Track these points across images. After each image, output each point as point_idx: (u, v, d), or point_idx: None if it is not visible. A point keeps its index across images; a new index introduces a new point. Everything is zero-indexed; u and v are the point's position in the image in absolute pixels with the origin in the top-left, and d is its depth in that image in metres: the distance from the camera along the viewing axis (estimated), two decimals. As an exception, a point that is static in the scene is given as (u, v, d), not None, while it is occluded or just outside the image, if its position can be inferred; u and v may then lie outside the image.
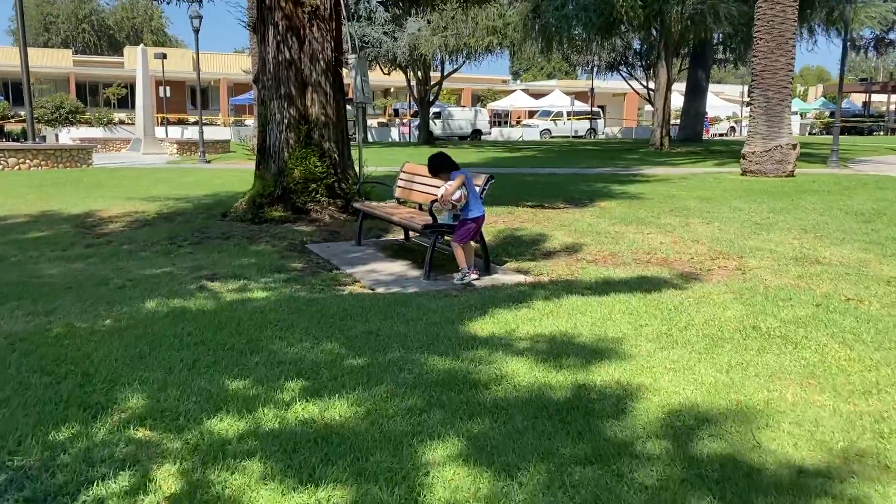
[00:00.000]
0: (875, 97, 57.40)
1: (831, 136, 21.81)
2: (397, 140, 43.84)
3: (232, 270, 6.84)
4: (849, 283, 6.21)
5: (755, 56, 16.19)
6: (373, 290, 6.30)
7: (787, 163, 15.96)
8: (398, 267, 7.26)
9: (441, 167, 6.61)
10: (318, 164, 10.04)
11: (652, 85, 44.22)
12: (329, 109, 10.26)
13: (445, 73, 37.78)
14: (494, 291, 6.01)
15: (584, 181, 16.17)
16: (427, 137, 36.31)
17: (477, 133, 45.59)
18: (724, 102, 57.20)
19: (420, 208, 8.35)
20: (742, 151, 16.69)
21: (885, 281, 6.30)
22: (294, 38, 9.98)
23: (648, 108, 60.38)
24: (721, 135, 50.80)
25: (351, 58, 10.62)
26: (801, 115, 56.71)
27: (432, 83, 37.31)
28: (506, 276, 6.79)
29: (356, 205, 8.40)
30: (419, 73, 36.27)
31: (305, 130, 10.06)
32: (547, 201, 12.24)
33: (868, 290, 5.98)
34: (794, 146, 16.05)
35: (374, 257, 7.77)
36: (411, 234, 8.41)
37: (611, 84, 58.20)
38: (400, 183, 8.50)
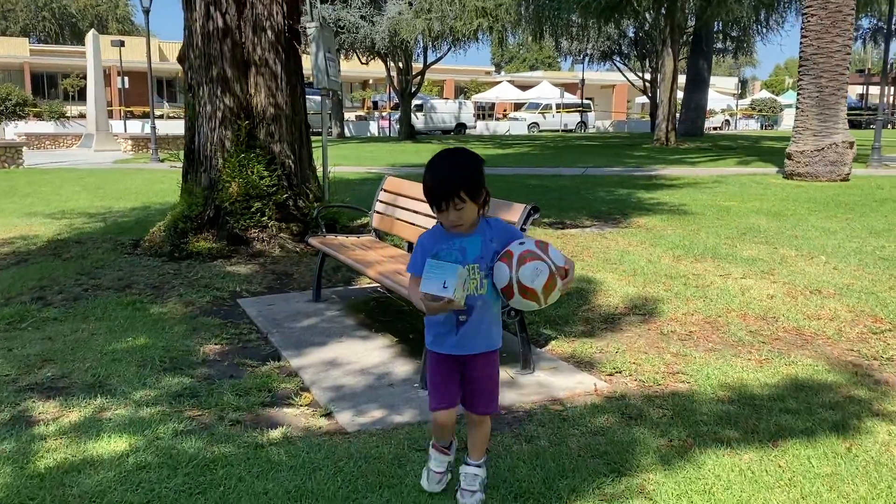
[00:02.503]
0: (873, 89, 55.30)
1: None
2: (377, 135, 40.92)
3: (95, 370, 4.02)
4: None
5: (804, 37, 13.52)
6: (331, 416, 3.51)
7: (843, 164, 13.35)
8: (378, 351, 4.47)
9: (476, 188, 2.42)
10: (266, 173, 7.20)
11: (647, 76, 41.77)
12: (280, 97, 7.41)
13: (428, 63, 34.87)
14: (557, 430, 3.24)
15: (600, 186, 13.45)
16: (409, 132, 33.42)
17: (461, 127, 42.79)
18: (717, 95, 54.78)
19: (410, 248, 5.56)
20: (787, 150, 14.03)
21: None
22: (229, -1, 7.13)
23: (638, 100, 58.16)
24: (716, 128, 48.36)
25: (310, 27, 7.78)
26: (798, 108, 54.50)
27: (414, 73, 34.39)
28: (557, 375, 4.03)
29: (313, 242, 5.59)
30: (400, 63, 33.34)
31: (247, 128, 7.21)
32: (567, 217, 9.50)
33: None
34: (851, 144, 13.43)
35: (339, 327, 4.97)
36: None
37: (599, 75, 55.64)
38: (378, 207, 5.70)
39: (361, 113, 47.86)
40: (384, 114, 43.50)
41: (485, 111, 52.78)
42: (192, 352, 4.35)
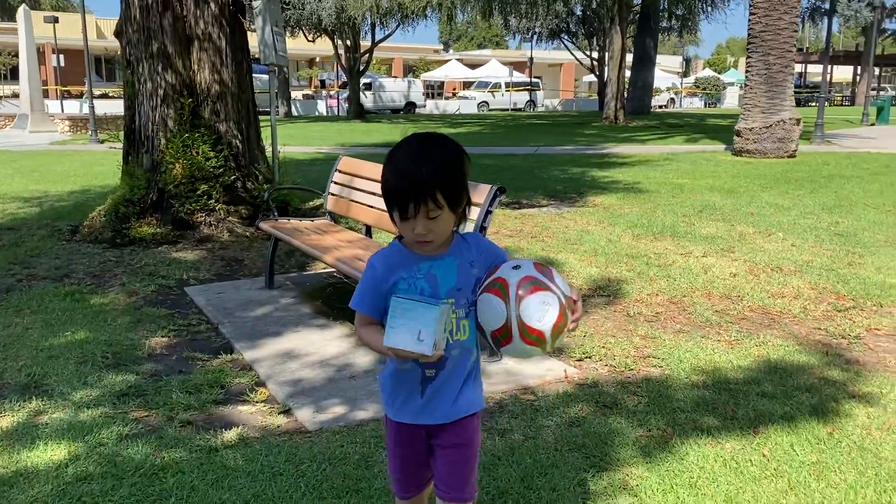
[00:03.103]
0: (811, 68, 56.61)
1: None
2: (325, 114, 40.19)
3: (30, 368, 3.71)
4: None
5: (753, 14, 13.58)
6: (290, 413, 3.29)
7: (791, 141, 13.52)
8: (337, 341, 4.25)
9: (457, 190, 1.72)
10: (211, 154, 6.85)
11: (595, 55, 41.92)
12: (226, 74, 7.05)
13: (376, 40, 34.29)
14: (530, 423, 3.08)
15: (553, 164, 13.36)
16: (358, 111, 32.87)
17: (411, 106, 42.35)
18: (663, 73, 55.37)
19: (368, 232, 5.34)
20: (736, 128, 14.14)
21: None
22: (168, -32, 6.72)
23: (586, 78, 58.43)
24: (661, 106, 48.90)
25: (256, 1, 7.42)
26: (740, 87, 55.48)
27: (362, 51, 33.78)
28: (525, 362, 3.88)
29: (265, 226, 5.31)
30: (347, 40, 32.69)
31: (190, 106, 6.84)
32: (524, 197, 9.37)
33: None
34: (798, 121, 13.60)
35: (294, 315, 4.73)
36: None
37: (547, 54, 55.68)
38: (333, 188, 5.45)
39: (308, 92, 46.94)
40: (332, 92, 42.73)
41: (434, 90, 52.34)
42: (136, 346, 4.07)
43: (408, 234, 1.69)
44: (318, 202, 8.57)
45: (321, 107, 41.83)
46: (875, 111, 26.69)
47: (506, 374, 3.71)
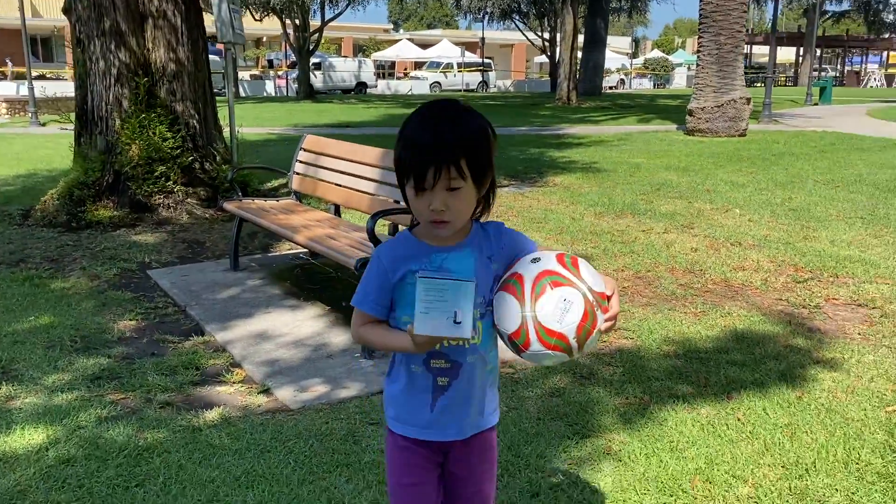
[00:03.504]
0: (756, 49, 57.85)
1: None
2: (273, 94, 39.53)
3: (-7, 353, 3.61)
4: None
5: (704, -7, 13.80)
6: (269, 393, 3.27)
7: (741, 120, 13.82)
8: (310, 321, 4.23)
9: (483, 161, 1.51)
10: (168, 135, 6.70)
11: (546, 35, 42.07)
12: (181, 52, 6.89)
13: (326, 19, 33.81)
14: (512, 394, 3.12)
15: (511, 145, 13.40)
16: (308, 91, 32.42)
17: (362, 86, 41.88)
18: (612, 54, 55.94)
19: (336, 211, 5.30)
20: (689, 107, 14.39)
21: None
22: (120, -58, 6.51)
23: (537, 59, 58.65)
24: (612, 87, 49.43)
25: (212, -24, 7.25)
26: (688, 67, 56.40)
27: (311, 31, 33.27)
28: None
29: (230, 207, 5.23)
30: (296, 20, 32.15)
31: (146, 85, 6.67)
32: (484, 176, 9.38)
33: None
34: (748, 100, 13.91)
35: (263, 297, 4.69)
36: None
37: (498, 34, 55.69)
38: (298, 167, 5.40)
39: (256, 72, 46.07)
40: (280, 73, 42.03)
41: (385, 70, 51.91)
42: (105, 329, 3.99)
43: (423, 210, 1.47)
44: (277, 183, 8.48)
45: (269, 87, 41.11)
46: (818, 91, 27.42)
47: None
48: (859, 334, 3.83)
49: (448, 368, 1.55)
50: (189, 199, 6.84)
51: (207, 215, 6.80)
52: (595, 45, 34.07)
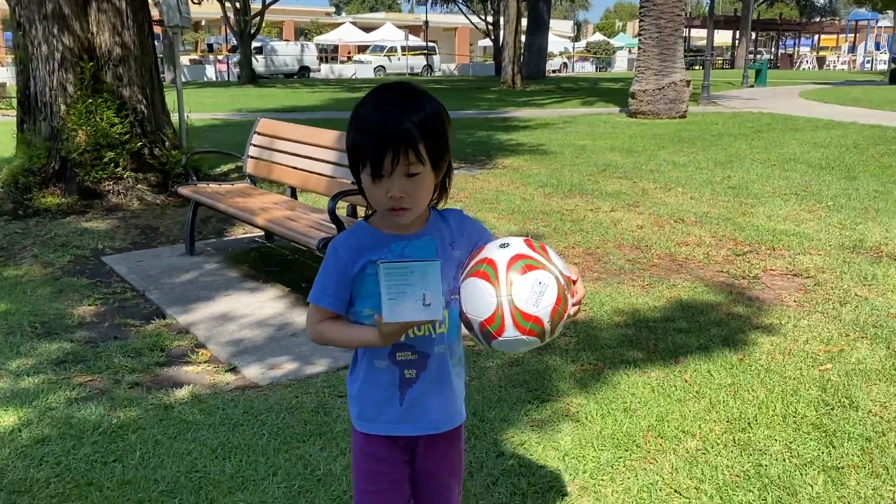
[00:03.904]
0: (694, 32, 59.09)
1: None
2: (214, 79, 38.75)
3: (-49, 341, 3.59)
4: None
5: (644, -22, 14.11)
6: (237, 371, 3.35)
7: (682, 102, 14.22)
8: (271, 302, 4.30)
9: (441, 144, 1.46)
10: (116, 120, 6.62)
11: (490, 19, 42.22)
12: (127, 36, 6.79)
13: (267, 3, 33.27)
14: (473, 364, 3.27)
15: (458, 128, 13.53)
16: (250, 76, 31.91)
17: (305, 70, 41.41)
18: (555, 38, 56.42)
19: (293, 194, 5.35)
20: (631, 90, 14.72)
21: None
22: (61, -77, 6.38)
23: (481, 43, 58.83)
24: (555, 71, 49.92)
25: (156, -42, 7.15)
26: (630, 51, 57.26)
27: (252, 14, 32.70)
28: (460, 312, 4.07)
29: (184, 191, 5.22)
30: (237, 3, 31.56)
31: (91, 70, 6.56)
32: (434, 159, 9.49)
33: None
34: (688, 82, 14.32)
35: (222, 280, 4.72)
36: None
37: (442, 18, 55.64)
38: (252, 151, 5.42)
39: (195, 56, 45.08)
40: (220, 57, 41.22)
41: (328, 54, 51.37)
42: (64, 315, 3.99)
43: (380, 198, 1.42)
44: (226, 168, 8.43)
45: (210, 72, 40.28)
46: (754, 73, 28.24)
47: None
48: (795, 302, 4.09)
49: (415, 360, 1.52)
50: (139, 185, 6.78)
51: (158, 201, 6.76)
52: (538, 29, 34.37)
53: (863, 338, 3.54)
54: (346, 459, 2.52)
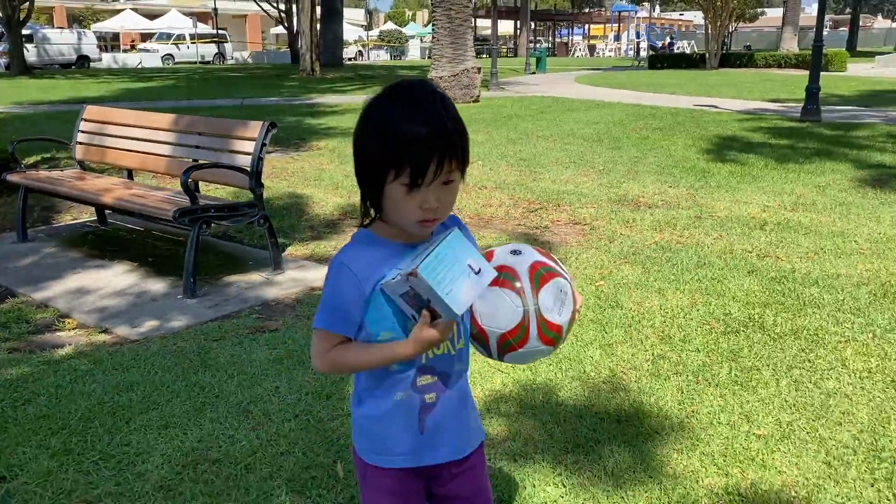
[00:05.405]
0: (480, 22, 62.10)
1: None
2: (-22, 71, 35.08)
3: None
4: (736, 235, 5.33)
5: (434, -29, 15.10)
6: (109, 332, 3.69)
7: (474, 87, 15.43)
8: (123, 275, 4.58)
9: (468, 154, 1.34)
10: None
11: (282, 6, 41.78)
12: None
13: (37, -13, 30.70)
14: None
15: (266, 115, 13.72)
16: (22, 66, 29.38)
17: (84, 60, 38.64)
18: (349, 26, 56.92)
19: (129, 176, 5.58)
20: (428, 77, 15.69)
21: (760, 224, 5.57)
22: None
23: (274, 30, 57.87)
24: (351, 59, 50.50)
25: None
26: (421, 39, 59.16)
27: (20, -1, 30.05)
28: (306, 271, 4.62)
29: (14, 178, 5.26)
30: (1, -14, 28.83)
31: None
32: (249, 145, 9.78)
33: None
34: (479, 69, 15.55)
35: (66, 260, 4.90)
36: (112, 212, 5.62)
37: (231, 5, 54.09)
38: (81, 138, 5.57)
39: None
40: (-16, 46, 37.32)
41: (108, 42, 48.17)
42: None
43: (412, 210, 1.27)
44: (34, 158, 8.21)
45: (-27, 63, 36.40)
46: (535, 61, 30.64)
47: (293, 281, 4.41)
48: (576, 242, 5.09)
49: (433, 384, 1.39)
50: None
51: (-32, 194, 6.56)
52: (332, 17, 34.73)
53: (626, 263, 4.57)
54: (237, 381, 3.03)
